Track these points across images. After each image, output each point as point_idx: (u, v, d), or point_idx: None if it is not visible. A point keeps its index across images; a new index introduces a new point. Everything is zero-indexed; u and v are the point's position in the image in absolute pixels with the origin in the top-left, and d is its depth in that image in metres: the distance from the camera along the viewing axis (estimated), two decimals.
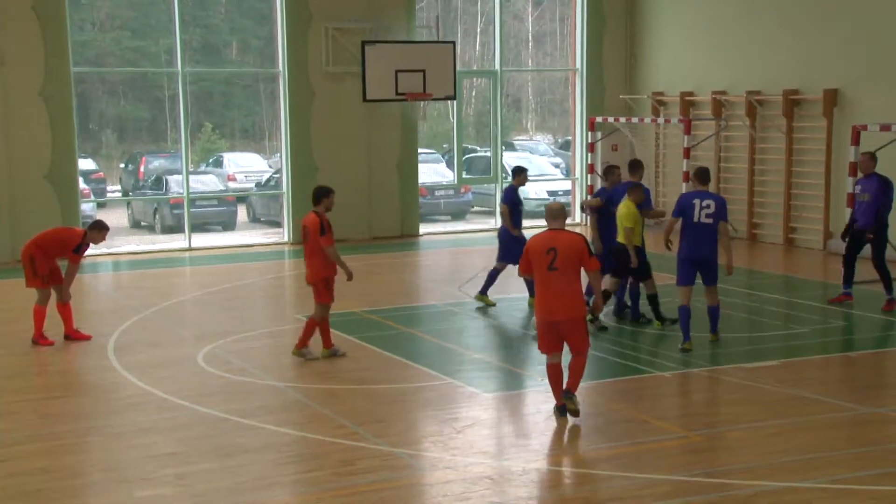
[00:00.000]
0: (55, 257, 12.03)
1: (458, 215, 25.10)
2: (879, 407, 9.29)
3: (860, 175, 13.49)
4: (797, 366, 10.73)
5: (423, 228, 21.45)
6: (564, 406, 8.85)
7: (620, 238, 12.07)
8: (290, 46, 19.63)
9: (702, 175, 11.54)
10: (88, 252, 18.81)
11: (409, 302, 14.78)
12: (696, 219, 11.06)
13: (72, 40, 18.56)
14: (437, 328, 12.58)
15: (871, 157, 13.29)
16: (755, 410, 9.26)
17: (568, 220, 23.03)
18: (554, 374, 8.91)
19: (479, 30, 33.40)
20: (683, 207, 11.20)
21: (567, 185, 24.18)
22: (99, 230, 12.18)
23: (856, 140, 14.95)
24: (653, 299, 12.26)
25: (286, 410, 9.45)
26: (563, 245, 8.68)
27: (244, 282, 16.16)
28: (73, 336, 12.16)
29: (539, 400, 9.67)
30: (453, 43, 21.07)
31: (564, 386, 8.89)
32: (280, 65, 19.93)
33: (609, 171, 13.35)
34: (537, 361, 11.08)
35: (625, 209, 12.04)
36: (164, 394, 9.92)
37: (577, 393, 8.90)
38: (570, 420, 8.84)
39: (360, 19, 19.80)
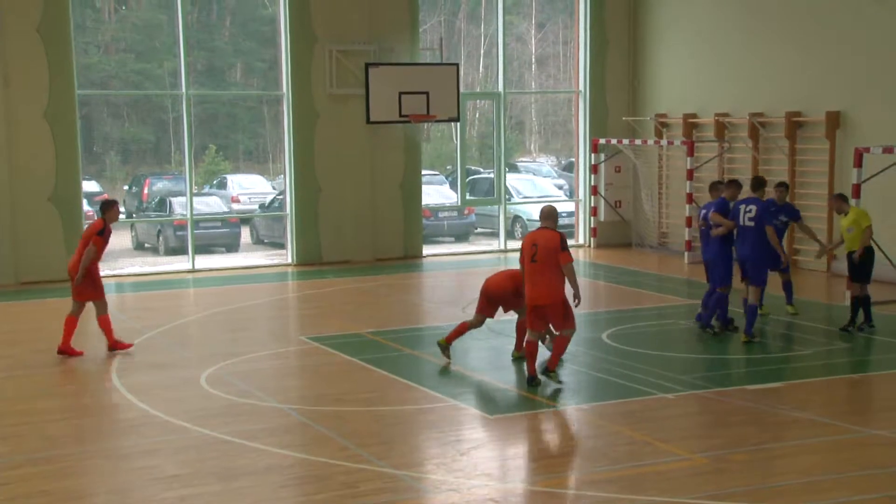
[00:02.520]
0: (94, 258, 12.27)
1: (461, 237, 25.16)
2: (883, 429, 9.27)
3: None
4: (801, 388, 10.72)
5: (427, 250, 21.49)
6: (535, 378, 10.57)
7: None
8: (294, 69, 19.74)
9: (752, 183, 13.32)
10: None
11: (412, 323, 14.79)
12: (741, 222, 12.65)
13: (76, 62, 18.69)
14: (439, 350, 12.59)
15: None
16: (758, 432, 9.25)
17: (572, 241, 23.15)
18: (530, 349, 10.65)
19: (482, 52, 33.55)
20: (734, 213, 12.83)
21: (571, 206, 24.21)
22: (110, 209, 12.51)
23: (858, 162, 14.99)
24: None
25: (289, 432, 9.45)
26: (543, 242, 10.42)
27: (248, 303, 16.18)
28: (116, 347, 12.51)
29: (543, 422, 9.66)
30: (457, 65, 21.17)
31: (536, 373, 10.58)
32: (284, 87, 20.03)
33: (717, 186, 13.90)
34: (544, 383, 11.10)
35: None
36: (166, 416, 9.92)
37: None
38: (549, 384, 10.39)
39: (364, 42, 19.92)
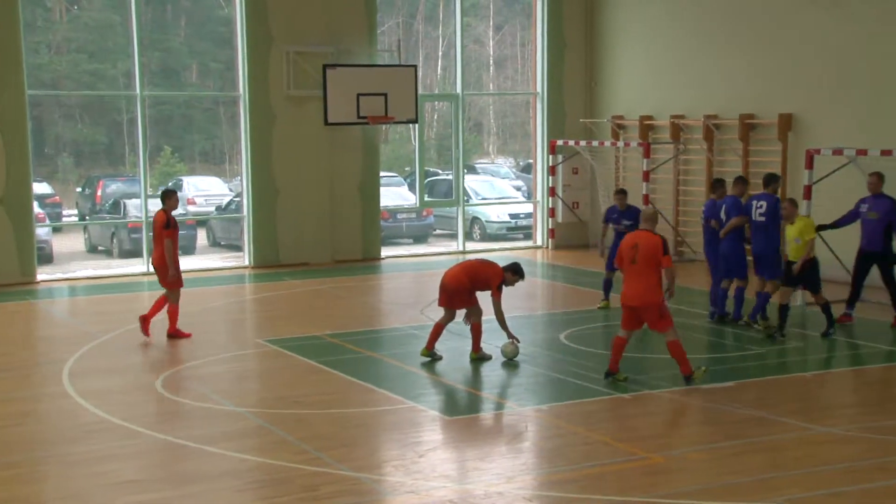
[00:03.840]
0: (162, 253, 13.16)
1: (420, 238, 25.20)
2: (833, 427, 9.45)
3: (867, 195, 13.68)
4: (755, 386, 10.88)
5: (385, 252, 21.51)
6: (612, 373, 10.85)
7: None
8: (250, 70, 19.67)
9: (764, 179, 13.67)
10: (44, 277, 18.80)
11: (371, 325, 14.81)
12: (754, 217, 13.27)
13: (27, 63, 18.46)
14: (400, 352, 12.62)
15: (880, 176, 13.53)
16: (713, 431, 9.39)
17: (530, 243, 23.29)
18: (618, 343, 10.88)
19: (440, 54, 33.62)
20: (746, 209, 13.36)
21: (529, 207, 24.36)
22: (169, 198, 13.34)
23: (809, 164, 15.24)
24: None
25: (247, 436, 9.43)
26: (643, 244, 10.55)
27: (204, 306, 16.10)
28: (175, 335, 13.34)
29: (502, 423, 9.73)
30: (415, 67, 21.21)
31: (616, 370, 10.89)
32: (241, 88, 19.95)
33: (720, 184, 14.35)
34: (501, 384, 11.17)
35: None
36: (121, 421, 9.85)
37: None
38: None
39: (321, 43, 19.89)
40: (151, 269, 19.50)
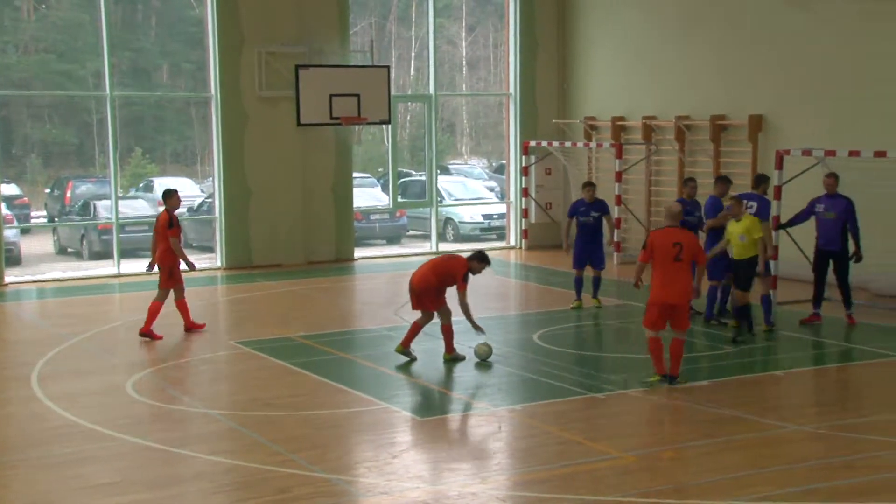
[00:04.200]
0: (165, 250, 13.54)
1: (393, 239, 25.17)
2: (805, 425, 9.53)
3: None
4: (727, 385, 10.93)
5: (359, 253, 21.47)
6: (667, 376, 10.66)
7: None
8: (222, 70, 19.58)
9: (755, 180, 14.05)
10: (12, 279, 18.63)
11: (344, 327, 14.78)
12: None
13: None
14: (373, 353, 12.61)
15: (836, 178, 13.61)
16: (687, 430, 9.45)
17: (503, 243, 23.33)
18: (656, 346, 10.66)
19: (413, 54, 33.60)
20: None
21: (502, 208, 24.40)
22: (170, 198, 13.74)
23: (779, 164, 15.35)
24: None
25: (220, 439, 9.40)
26: (687, 241, 10.55)
27: (174, 308, 15.96)
28: (192, 328, 13.87)
29: (476, 423, 9.75)
30: (388, 67, 21.18)
31: (668, 372, 10.65)
32: (212, 88, 19.86)
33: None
34: (474, 385, 11.18)
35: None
36: (92, 424, 9.77)
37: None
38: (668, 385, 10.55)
39: (294, 43, 19.83)
40: (121, 270, 19.59)
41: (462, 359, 11.94)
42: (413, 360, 11.99)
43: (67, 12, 27.42)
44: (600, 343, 13.88)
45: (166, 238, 13.45)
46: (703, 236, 13.77)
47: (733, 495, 7.69)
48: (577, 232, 15.14)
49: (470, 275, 11.83)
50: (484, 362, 11.89)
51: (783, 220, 14.57)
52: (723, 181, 14.37)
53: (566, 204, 22.65)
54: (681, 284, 10.55)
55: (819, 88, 17.24)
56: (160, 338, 13.40)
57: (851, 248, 13.57)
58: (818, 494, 7.72)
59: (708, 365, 11.98)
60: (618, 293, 16.68)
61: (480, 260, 11.93)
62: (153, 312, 13.51)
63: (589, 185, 15.39)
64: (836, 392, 11.22)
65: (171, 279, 13.64)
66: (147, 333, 13.41)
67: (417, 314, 12.14)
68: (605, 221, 15.22)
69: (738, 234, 12.66)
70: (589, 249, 15.06)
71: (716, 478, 8.08)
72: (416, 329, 12.09)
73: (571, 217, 15.30)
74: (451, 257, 12.32)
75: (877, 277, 15.40)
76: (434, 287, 11.84)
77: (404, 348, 12.07)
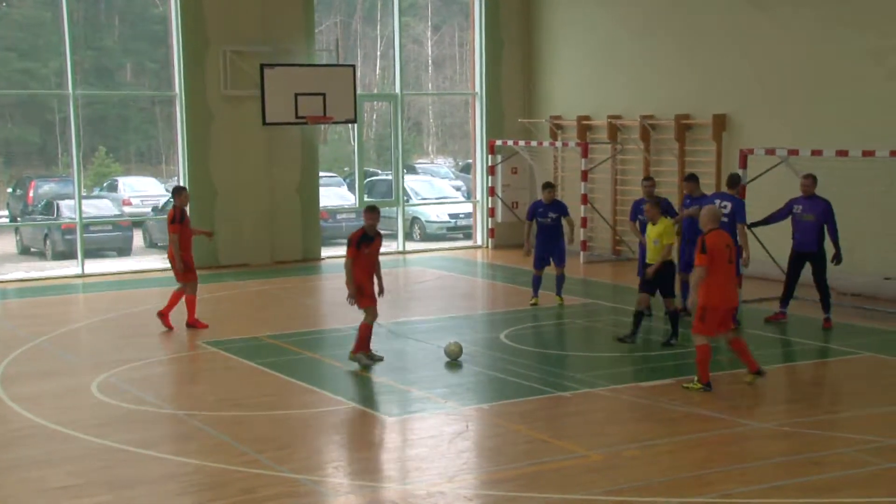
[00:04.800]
0: (181, 246, 13.74)
1: None
2: (768, 422, 9.61)
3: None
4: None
5: (325, 252, 21.41)
6: (762, 371, 10.69)
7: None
8: (186, 69, 19.46)
9: (729, 180, 13.99)
10: None
11: (311, 326, 14.74)
12: None
13: None
14: (341, 352, 12.55)
15: (813, 179, 13.63)
16: (651, 428, 9.50)
17: (470, 242, 23.34)
18: (708, 354, 10.53)
19: (378, 53, 33.55)
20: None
21: (468, 207, 24.42)
22: (179, 194, 14.08)
23: (743, 163, 15.49)
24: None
25: (186, 439, 9.34)
26: (732, 244, 10.58)
27: (141, 308, 15.88)
28: (194, 326, 13.97)
29: (444, 422, 9.75)
30: (353, 66, 21.14)
31: (748, 369, 10.70)
32: (177, 87, 19.73)
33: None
34: (442, 384, 11.18)
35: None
36: (55, 425, 9.69)
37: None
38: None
39: (259, 42, 19.74)
40: (85, 270, 19.43)
41: (381, 359, 11.77)
42: (380, 359, 11.95)
43: (29, 10, 27.13)
44: (566, 342, 13.92)
45: (177, 232, 13.74)
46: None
47: (697, 492, 7.74)
48: (536, 232, 15.16)
49: (365, 240, 11.51)
50: (454, 362, 11.88)
51: (754, 218, 14.58)
52: (692, 179, 14.38)
53: (532, 203, 22.74)
54: (734, 287, 10.65)
55: (781, 88, 17.41)
56: (206, 326, 13.99)
57: (831, 250, 13.56)
58: (783, 491, 7.79)
59: (672, 363, 12.04)
60: (584, 292, 16.76)
61: (367, 211, 11.59)
62: (190, 305, 13.99)
63: (547, 187, 15.36)
64: (801, 389, 11.32)
65: (188, 271, 13.86)
66: (192, 324, 13.94)
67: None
68: (564, 222, 15.21)
69: (653, 238, 12.49)
70: (548, 249, 15.08)
71: (680, 475, 8.14)
72: (365, 330, 11.85)
73: (531, 219, 15.29)
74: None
75: (840, 276, 15.56)
76: (369, 283, 11.66)
77: (361, 353, 11.84)
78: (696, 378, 10.59)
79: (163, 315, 13.96)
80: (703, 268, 10.31)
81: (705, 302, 10.35)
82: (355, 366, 11.76)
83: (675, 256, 12.85)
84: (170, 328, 13.85)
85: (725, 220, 12.96)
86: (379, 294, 11.86)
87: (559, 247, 15.14)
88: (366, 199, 23.38)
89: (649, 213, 12.69)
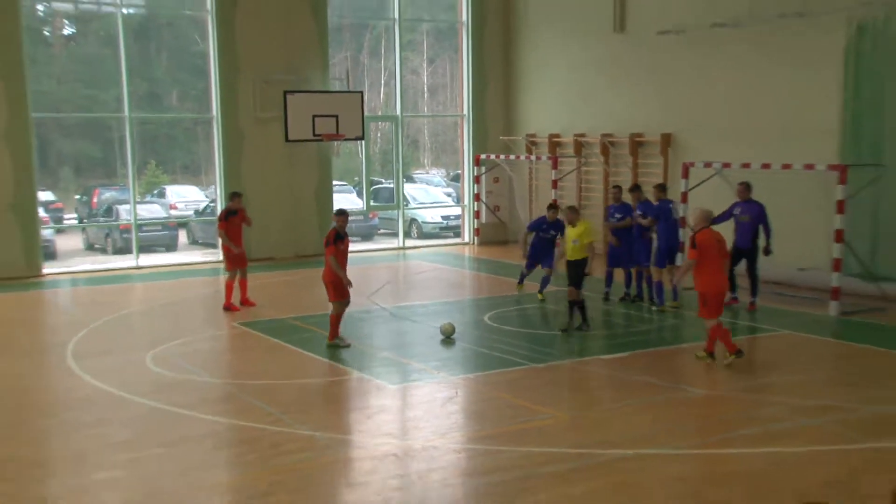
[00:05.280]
0: (228, 239, 14.06)
1: (366, 236, 25.04)
2: (706, 389, 9.63)
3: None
4: (644, 357, 11.03)
5: None
6: (741, 352, 10.32)
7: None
8: (222, 96, 19.40)
9: (658, 188, 13.95)
10: (49, 271, 18.35)
11: (326, 310, 14.65)
12: (662, 219, 13.52)
13: (32, 91, 18.00)
14: (350, 331, 12.55)
15: (747, 186, 13.59)
16: (611, 394, 9.51)
17: (459, 240, 23.30)
18: (726, 330, 10.37)
19: (382, 82, 33.45)
20: (664, 211, 13.59)
21: (457, 210, 24.40)
22: (232, 199, 14.28)
23: (685, 174, 15.49)
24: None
25: (222, 402, 9.32)
26: (722, 239, 10.29)
27: (185, 295, 15.86)
28: (245, 304, 14.18)
29: (437, 389, 9.75)
30: (361, 93, 21.07)
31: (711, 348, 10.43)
32: (214, 111, 19.66)
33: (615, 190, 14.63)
34: (435, 357, 11.17)
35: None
36: (116, 391, 9.68)
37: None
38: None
39: (282, 73, 19.70)
40: (139, 263, 19.35)
41: (347, 346, 11.43)
42: (346, 346, 11.51)
43: (93, 48, 26.99)
44: (539, 323, 13.92)
45: (222, 227, 14.08)
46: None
47: (649, 445, 7.76)
48: (533, 241, 14.62)
49: (339, 237, 11.28)
50: (448, 339, 11.86)
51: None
52: (636, 189, 14.23)
53: (511, 207, 22.75)
54: (725, 275, 10.38)
55: (716, 112, 17.42)
56: (237, 309, 13.99)
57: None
58: (725, 444, 7.82)
59: (627, 340, 12.06)
60: (554, 281, 16.73)
61: (337, 215, 11.40)
62: (243, 288, 14.21)
63: (552, 208, 14.73)
64: (736, 361, 11.35)
65: (238, 258, 14.09)
66: (237, 305, 14.05)
67: (382, 297, 12.02)
68: (558, 238, 14.61)
69: (573, 238, 12.07)
70: (542, 257, 14.59)
71: (634, 432, 8.15)
72: (334, 321, 11.51)
73: (532, 231, 14.71)
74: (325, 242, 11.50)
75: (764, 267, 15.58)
76: (330, 278, 11.38)
77: (332, 341, 11.48)
78: (727, 353, 10.31)
79: (229, 307, 14.02)
80: (692, 261, 10.15)
81: (702, 290, 10.18)
82: (364, 342, 11.72)
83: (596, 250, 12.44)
84: (236, 309, 13.98)
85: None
86: (348, 286, 11.47)
87: (551, 254, 14.62)
88: (372, 203, 23.35)
89: (568, 217, 12.29)
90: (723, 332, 10.33)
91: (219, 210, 19.96)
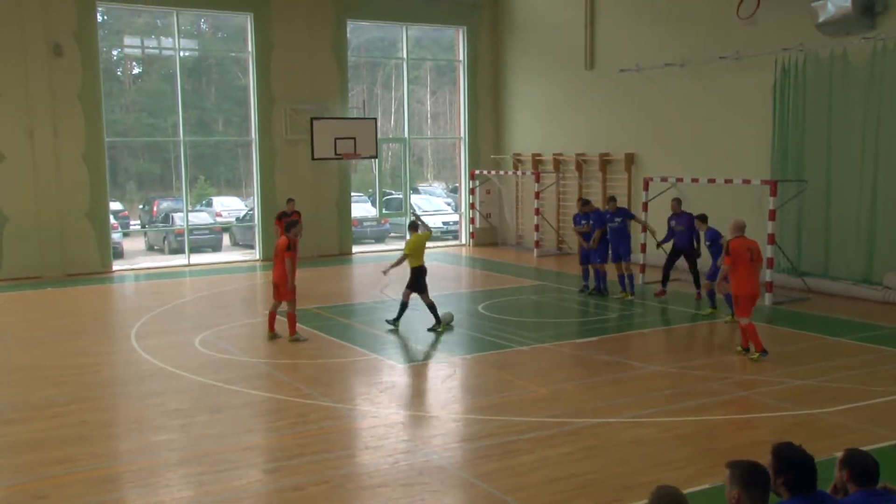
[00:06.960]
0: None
1: (379, 239, 25.01)
2: (659, 366, 9.62)
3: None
4: (610, 340, 11.02)
5: (355, 249, 21.35)
6: (766, 351, 9.62)
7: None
8: (259, 121, 19.40)
9: (611, 199, 13.83)
10: (117, 268, 18.35)
11: (345, 301, 14.69)
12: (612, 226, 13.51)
13: (106, 119, 18.04)
14: (366, 319, 12.56)
15: (678, 201, 13.58)
16: (582, 371, 9.49)
17: (457, 242, 23.27)
18: (754, 327, 9.67)
19: (393, 109, 33.40)
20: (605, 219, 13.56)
21: (456, 217, 24.37)
22: (288, 202, 13.55)
23: (646, 187, 15.47)
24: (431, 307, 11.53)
25: (258, 378, 9.31)
26: (754, 247, 9.56)
27: (228, 288, 15.85)
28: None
29: (438, 368, 9.74)
30: (375, 119, 21.07)
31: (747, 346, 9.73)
32: (253, 134, 19.66)
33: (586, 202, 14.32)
34: (438, 341, 11.15)
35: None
36: (170, 367, 9.69)
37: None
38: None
39: (309, 102, 19.69)
40: (191, 262, 19.34)
41: (304, 340, 10.77)
42: (278, 337, 10.95)
43: (154, 84, 27.01)
44: (524, 311, 13.89)
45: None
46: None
47: (613, 414, 7.76)
48: (604, 235, 13.82)
49: (294, 243, 10.70)
50: (447, 325, 11.82)
51: (660, 228, 14.35)
52: (612, 200, 14.11)
53: (502, 214, 22.70)
54: (756, 278, 9.56)
55: (671, 135, 17.40)
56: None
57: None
58: (672, 412, 7.81)
59: (595, 326, 12.05)
60: (536, 276, 16.72)
61: (289, 227, 10.79)
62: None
63: (583, 202, 14.25)
64: (680, 342, 11.32)
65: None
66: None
67: (392, 291, 11.96)
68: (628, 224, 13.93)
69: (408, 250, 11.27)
70: (618, 245, 13.82)
71: (602, 404, 8.15)
72: (272, 318, 10.97)
73: (601, 226, 13.84)
74: (276, 244, 10.79)
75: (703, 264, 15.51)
76: (283, 281, 10.68)
77: (272, 332, 10.92)
78: (752, 349, 9.70)
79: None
80: (727, 266, 9.55)
81: (735, 291, 9.61)
82: (378, 328, 11.71)
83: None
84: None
85: (617, 224, 13.48)
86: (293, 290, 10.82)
87: (626, 243, 13.80)
88: (384, 211, 23.31)
89: (411, 229, 11.58)
90: (752, 329, 9.62)
91: (257, 216, 19.98)
